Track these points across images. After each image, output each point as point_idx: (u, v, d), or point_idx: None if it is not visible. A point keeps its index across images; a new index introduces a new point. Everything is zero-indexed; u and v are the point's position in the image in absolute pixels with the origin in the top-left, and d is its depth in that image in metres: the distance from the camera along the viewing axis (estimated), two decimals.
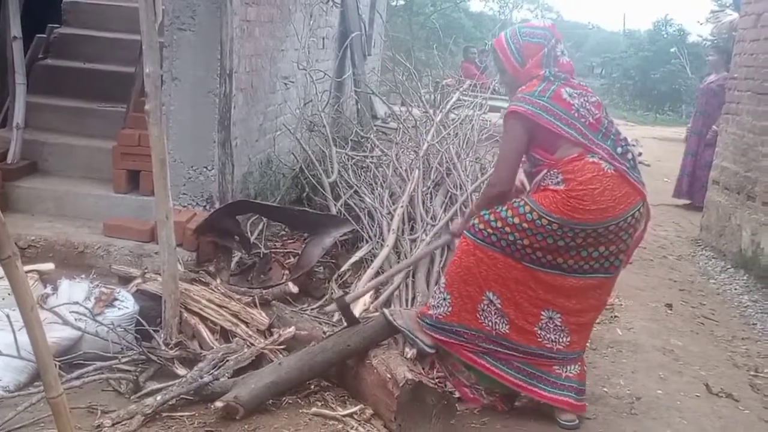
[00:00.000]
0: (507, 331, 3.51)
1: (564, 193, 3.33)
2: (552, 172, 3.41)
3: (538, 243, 3.38)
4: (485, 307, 3.51)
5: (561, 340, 3.51)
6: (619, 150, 3.45)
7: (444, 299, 3.56)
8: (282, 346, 3.85)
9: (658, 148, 15.14)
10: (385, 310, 3.72)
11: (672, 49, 26.61)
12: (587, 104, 3.45)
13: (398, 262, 4.94)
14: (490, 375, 3.57)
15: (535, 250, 3.40)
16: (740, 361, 4.71)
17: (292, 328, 3.91)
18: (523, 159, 3.58)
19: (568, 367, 3.55)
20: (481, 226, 3.48)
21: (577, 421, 3.58)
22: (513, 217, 3.39)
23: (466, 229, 3.57)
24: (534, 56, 3.51)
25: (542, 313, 3.49)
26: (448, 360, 3.73)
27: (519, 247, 3.41)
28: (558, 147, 3.41)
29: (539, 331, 3.51)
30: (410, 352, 3.67)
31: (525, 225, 3.36)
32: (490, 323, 3.52)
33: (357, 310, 4.29)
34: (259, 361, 3.72)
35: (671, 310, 5.52)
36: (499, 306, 3.49)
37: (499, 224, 3.43)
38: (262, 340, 3.88)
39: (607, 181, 3.34)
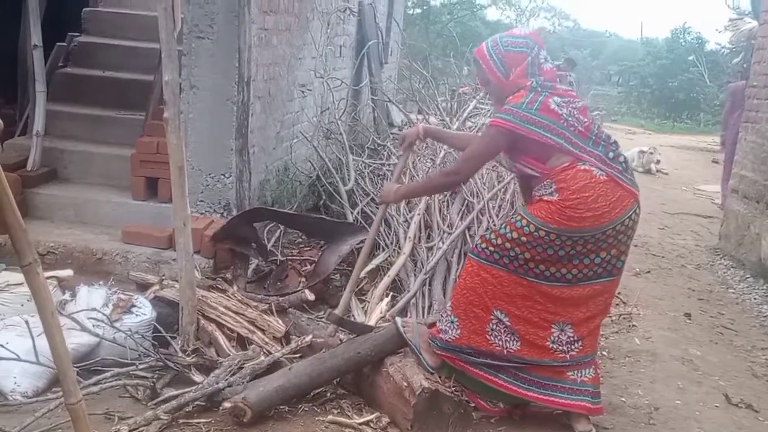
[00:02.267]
0: (518, 347, 3.48)
1: (558, 203, 3.32)
2: (545, 183, 3.40)
3: (540, 255, 3.37)
4: (494, 326, 3.49)
5: (573, 347, 3.49)
6: (611, 154, 3.44)
7: (452, 323, 3.54)
8: (298, 354, 3.85)
9: (676, 156, 15.08)
10: (398, 320, 3.71)
11: (690, 57, 26.52)
12: (575, 112, 3.44)
13: (415, 270, 4.95)
14: (506, 391, 3.55)
15: (537, 263, 3.39)
16: (760, 371, 4.66)
17: (309, 336, 3.91)
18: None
19: (583, 372, 3.52)
20: (483, 245, 3.47)
21: (594, 430, 3.55)
22: (511, 232, 3.38)
23: (472, 251, 3.54)
24: (518, 66, 3.47)
25: (552, 327, 3.47)
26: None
27: (522, 262, 3.39)
28: (549, 156, 3.40)
29: (551, 345, 3.48)
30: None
31: (524, 239, 3.35)
32: (500, 343, 3.49)
33: (373, 317, 4.29)
34: (275, 368, 3.72)
35: (690, 319, 5.48)
36: (509, 324, 3.47)
37: (500, 241, 3.41)
38: (279, 348, 3.88)
39: (600, 187, 3.33)
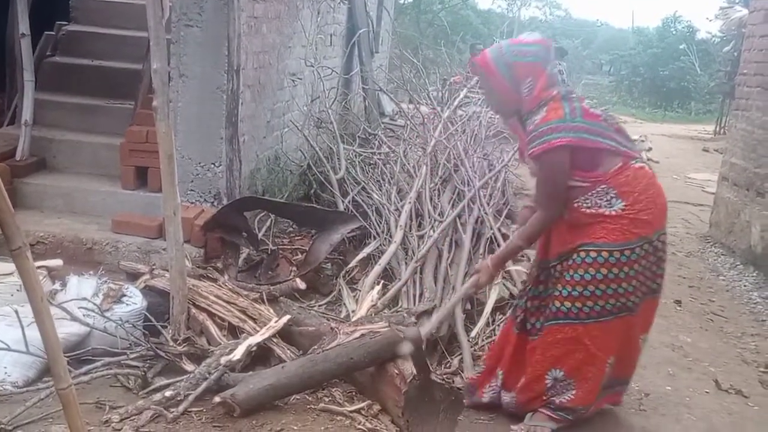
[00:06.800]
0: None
1: (627, 214, 3.13)
2: (599, 190, 3.15)
3: (632, 277, 3.18)
4: (608, 372, 3.38)
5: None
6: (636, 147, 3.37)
7: (568, 384, 3.33)
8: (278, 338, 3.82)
9: (668, 145, 15.09)
10: None
11: (681, 46, 26.60)
12: (604, 112, 3.32)
13: (406, 258, 4.94)
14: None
15: (634, 287, 3.20)
16: (750, 357, 4.69)
17: (286, 317, 3.88)
18: None
19: None
20: (578, 305, 3.18)
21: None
22: (596, 273, 3.13)
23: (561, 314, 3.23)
24: (535, 77, 3.16)
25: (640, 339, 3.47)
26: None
27: (624, 295, 3.18)
28: (600, 162, 3.16)
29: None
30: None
31: (615, 270, 3.13)
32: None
33: (364, 306, 4.28)
34: (267, 357, 3.72)
35: (680, 306, 5.50)
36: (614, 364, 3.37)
37: (591, 288, 3.15)
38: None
39: (653, 181, 3.25)
